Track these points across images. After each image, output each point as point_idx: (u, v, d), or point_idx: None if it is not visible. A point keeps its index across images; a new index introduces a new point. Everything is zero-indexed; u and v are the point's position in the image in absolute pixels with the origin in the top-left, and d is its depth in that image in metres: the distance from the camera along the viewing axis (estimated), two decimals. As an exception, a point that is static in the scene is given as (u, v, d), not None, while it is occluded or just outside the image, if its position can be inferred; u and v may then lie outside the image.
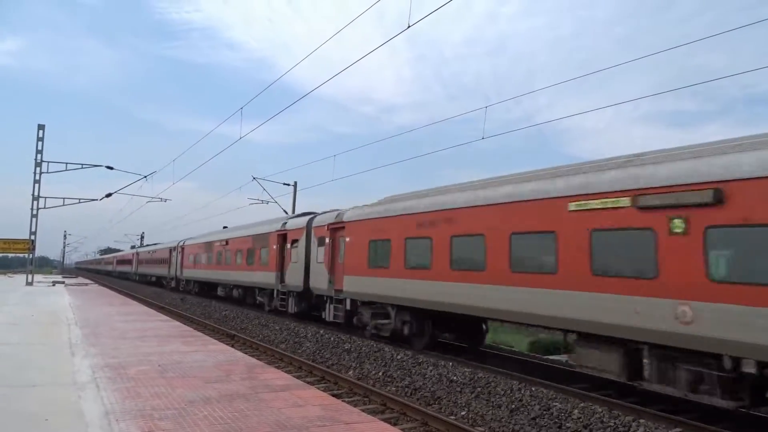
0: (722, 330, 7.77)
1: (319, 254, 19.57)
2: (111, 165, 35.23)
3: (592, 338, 9.77)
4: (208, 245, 34.70)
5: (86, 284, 47.61)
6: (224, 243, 31.44)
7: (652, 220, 8.75)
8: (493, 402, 9.97)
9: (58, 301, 24.68)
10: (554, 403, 9.46)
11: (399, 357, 13.63)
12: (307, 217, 21.48)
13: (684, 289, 8.24)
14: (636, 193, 9.00)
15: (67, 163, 34.48)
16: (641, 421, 8.45)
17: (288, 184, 36.56)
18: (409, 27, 11.48)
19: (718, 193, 7.96)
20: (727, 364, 7.86)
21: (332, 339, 16.77)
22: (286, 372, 11.39)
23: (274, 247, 23.50)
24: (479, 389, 10.68)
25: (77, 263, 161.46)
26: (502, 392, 10.36)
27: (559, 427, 8.61)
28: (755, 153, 7.86)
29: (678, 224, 8.42)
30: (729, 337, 7.71)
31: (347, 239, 17.69)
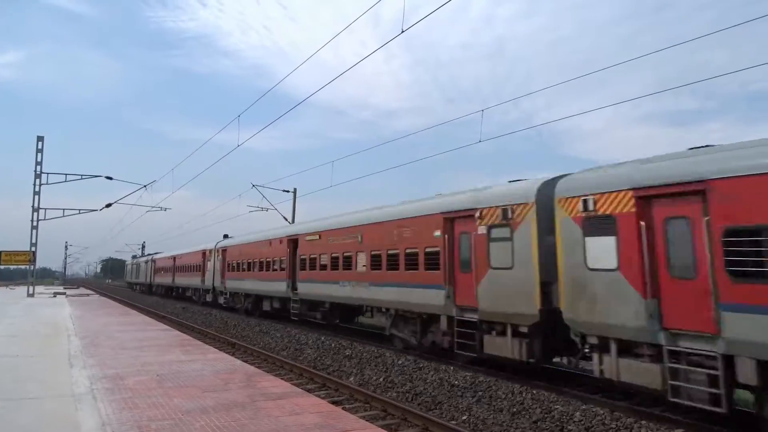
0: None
1: (217, 266, 33.19)
2: (110, 175, 35.29)
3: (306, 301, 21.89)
4: (168, 259, 48.17)
5: (87, 295, 47.54)
6: (176, 258, 44.69)
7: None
8: (494, 406, 9.91)
9: (58, 312, 24.65)
10: (556, 406, 9.40)
11: (400, 362, 13.57)
12: (215, 243, 34.60)
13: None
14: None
15: (66, 174, 34.49)
16: (643, 422, 8.39)
17: (287, 191, 36.61)
18: (402, 32, 11.49)
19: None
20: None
21: (333, 345, 16.72)
22: (286, 380, 11.33)
23: (200, 261, 36.93)
24: (480, 393, 10.62)
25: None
26: (504, 396, 10.30)
27: (561, 430, 8.54)
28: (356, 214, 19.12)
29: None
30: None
31: (227, 257, 31.52)
